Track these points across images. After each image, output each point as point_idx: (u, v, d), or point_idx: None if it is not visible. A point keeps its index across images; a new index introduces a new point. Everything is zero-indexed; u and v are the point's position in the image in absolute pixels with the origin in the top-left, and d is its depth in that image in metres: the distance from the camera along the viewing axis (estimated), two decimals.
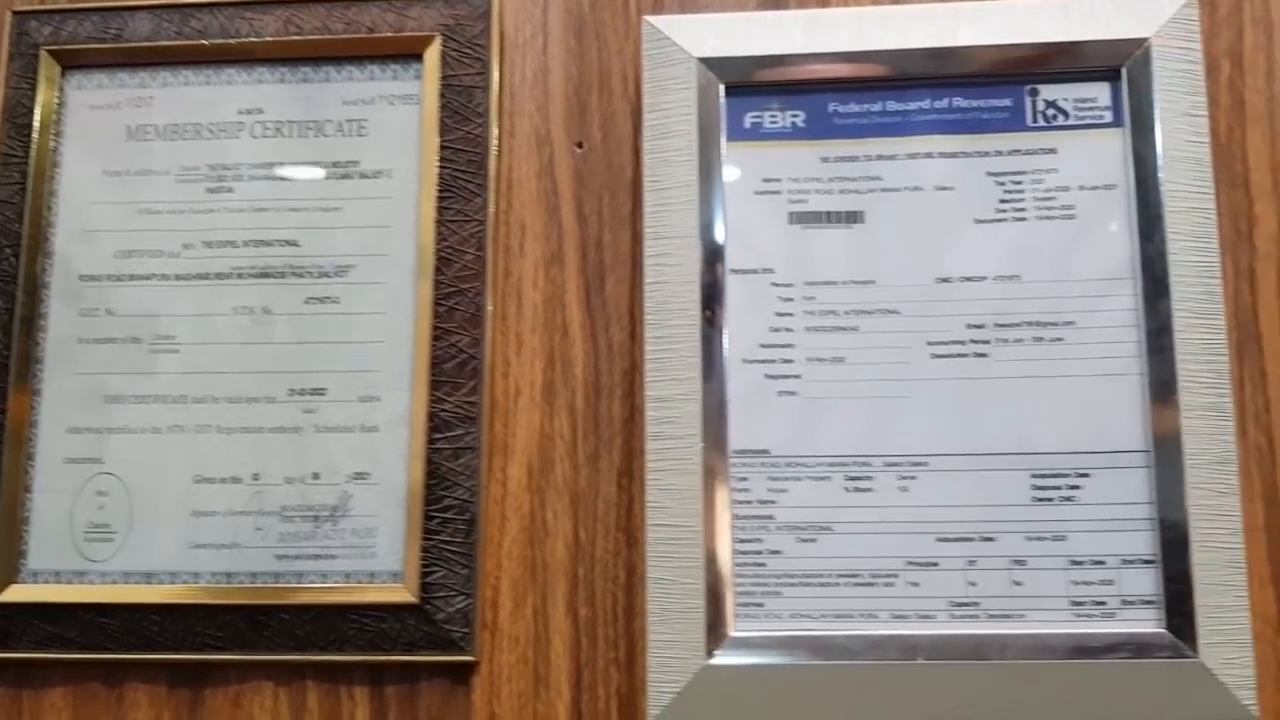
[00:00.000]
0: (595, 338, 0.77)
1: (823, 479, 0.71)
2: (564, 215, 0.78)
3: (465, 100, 0.78)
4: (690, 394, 0.72)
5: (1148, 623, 0.69)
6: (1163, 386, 0.70)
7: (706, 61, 0.75)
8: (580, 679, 0.73)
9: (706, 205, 0.74)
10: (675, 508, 0.71)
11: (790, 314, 0.73)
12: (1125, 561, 0.69)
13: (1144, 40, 0.73)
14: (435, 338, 0.75)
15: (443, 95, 0.78)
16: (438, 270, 0.76)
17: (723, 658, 0.69)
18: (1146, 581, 0.69)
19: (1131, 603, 0.69)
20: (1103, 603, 0.69)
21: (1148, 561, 0.69)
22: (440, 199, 0.76)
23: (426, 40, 0.79)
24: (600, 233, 0.78)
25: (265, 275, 0.77)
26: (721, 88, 0.75)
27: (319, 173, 0.79)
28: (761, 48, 0.75)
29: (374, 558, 0.74)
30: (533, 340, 0.77)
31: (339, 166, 0.79)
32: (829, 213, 0.74)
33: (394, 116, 0.79)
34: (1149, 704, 0.67)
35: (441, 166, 0.77)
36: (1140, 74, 0.73)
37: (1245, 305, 0.73)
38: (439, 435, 0.74)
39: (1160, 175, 0.72)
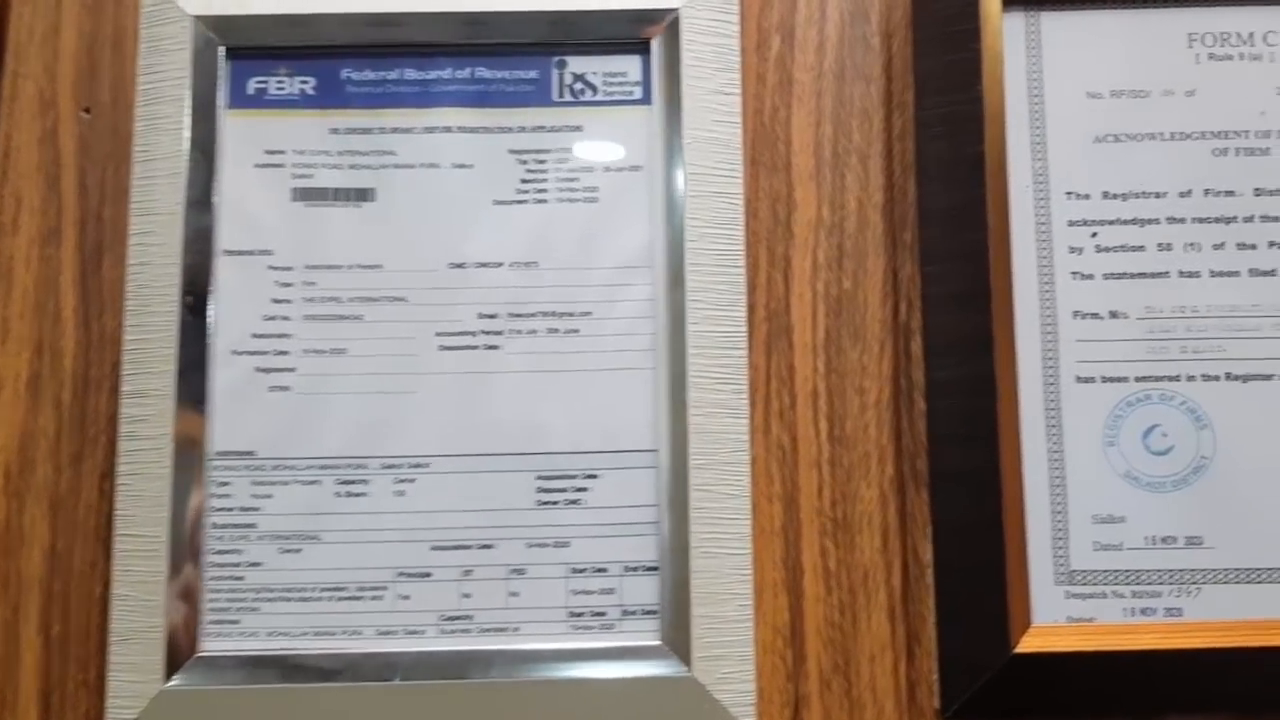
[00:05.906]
0: (89, 324, 0.69)
1: (313, 483, 0.65)
2: (65, 187, 0.70)
3: None
4: (165, 389, 0.65)
5: (646, 635, 0.64)
6: (674, 382, 0.65)
7: (204, 20, 0.68)
8: (49, 702, 0.66)
9: (197, 179, 0.67)
10: (143, 516, 0.64)
11: (288, 300, 0.67)
12: (628, 569, 0.65)
13: (673, 11, 0.68)
14: None
15: None
16: None
17: (183, 680, 0.63)
18: (648, 590, 0.64)
19: (632, 613, 0.64)
20: (602, 613, 0.64)
21: (651, 569, 0.65)
22: None
23: None
24: (101, 207, 0.70)
25: None
26: (222, 50, 0.68)
27: None
28: (267, 6, 0.68)
29: None
30: (21, 327, 0.69)
31: None
32: (336, 189, 0.68)
33: None
34: None
35: None
36: (670, 48, 0.68)
37: (778, 295, 0.69)
38: None
39: (684, 157, 0.67)
